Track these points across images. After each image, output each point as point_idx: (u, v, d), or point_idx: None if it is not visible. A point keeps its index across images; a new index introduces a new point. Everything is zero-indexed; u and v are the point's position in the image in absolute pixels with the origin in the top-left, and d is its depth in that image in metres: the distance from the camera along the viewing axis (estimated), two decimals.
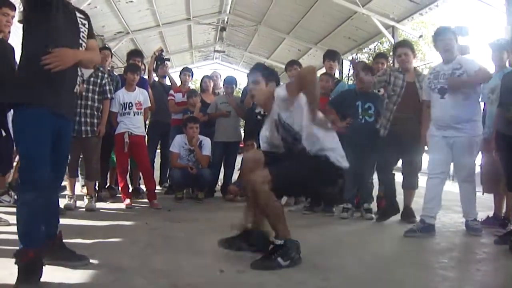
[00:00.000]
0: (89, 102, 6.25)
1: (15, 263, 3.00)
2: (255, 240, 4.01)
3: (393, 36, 13.57)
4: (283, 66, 19.42)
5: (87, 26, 3.51)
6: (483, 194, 5.89)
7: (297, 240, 3.80)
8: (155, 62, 8.65)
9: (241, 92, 8.32)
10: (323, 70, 7.76)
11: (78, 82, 3.56)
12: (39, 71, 3.03)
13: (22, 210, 3.10)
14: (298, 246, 3.77)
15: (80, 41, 3.43)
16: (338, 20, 14.70)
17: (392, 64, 10.50)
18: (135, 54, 8.11)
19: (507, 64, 5.82)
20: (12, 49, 5.28)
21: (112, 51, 16.21)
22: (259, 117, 7.83)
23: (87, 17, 3.56)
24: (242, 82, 16.14)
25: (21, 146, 3.20)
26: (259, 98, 4.27)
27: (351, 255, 4.20)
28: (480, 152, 5.56)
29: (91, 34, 3.57)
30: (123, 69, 8.13)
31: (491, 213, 5.75)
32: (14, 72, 4.17)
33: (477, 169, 5.66)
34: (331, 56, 7.51)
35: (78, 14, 3.45)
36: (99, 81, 6.38)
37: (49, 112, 3.13)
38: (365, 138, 5.99)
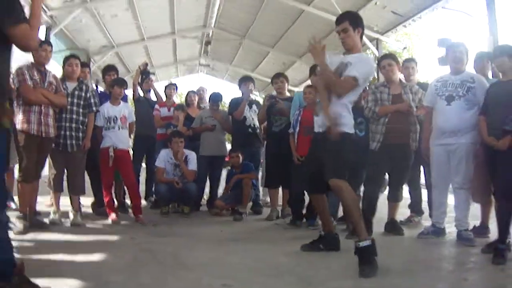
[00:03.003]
0: (74, 116, 6.19)
1: None
2: (330, 242, 4.78)
3: (377, 49, 13.62)
4: (268, 80, 19.44)
5: None
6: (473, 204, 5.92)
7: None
8: (140, 76, 8.64)
9: (229, 104, 8.28)
10: (308, 82, 7.78)
11: None
12: None
13: None
14: None
15: None
16: (322, 33, 14.66)
17: (377, 78, 10.55)
18: (109, 69, 8.10)
19: (489, 74, 5.91)
20: None
21: (97, 65, 16.28)
22: (250, 130, 7.84)
23: None
24: (228, 95, 16.14)
25: None
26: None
27: (338, 266, 4.19)
28: None
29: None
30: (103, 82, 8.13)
31: (477, 223, 5.76)
32: None
33: None
34: None
35: None
36: (83, 94, 6.33)
37: None
38: (356, 152, 5.93)
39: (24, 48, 3.00)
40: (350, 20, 4.56)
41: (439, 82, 5.57)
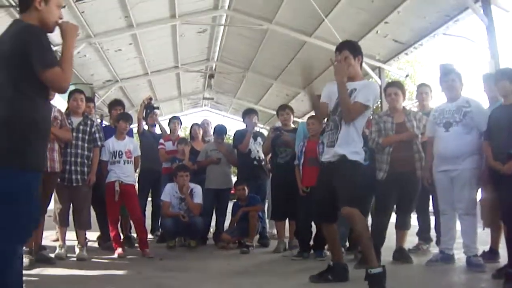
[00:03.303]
0: (79, 151, 6.22)
1: None
2: (339, 272, 4.66)
3: (379, 77, 13.63)
4: (272, 112, 19.47)
5: None
6: (483, 229, 5.87)
7: None
8: (144, 111, 8.67)
9: (233, 136, 8.29)
10: (312, 113, 7.79)
11: None
12: None
13: None
14: None
15: None
16: (324, 63, 14.75)
17: (380, 106, 10.57)
18: (116, 104, 8.15)
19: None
20: None
21: (101, 100, 16.38)
22: (255, 162, 7.82)
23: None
24: (232, 128, 16.15)
25: None
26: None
27: None
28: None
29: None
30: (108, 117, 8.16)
31: (486, 248, 5.70)
32: None
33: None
34: None
35: None
36: (88, 129, 6.37)
37: None
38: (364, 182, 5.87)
39: (57, 91, 3.09)
40: (350, 49, 4.64)
41: (437, 112, 5.66)
